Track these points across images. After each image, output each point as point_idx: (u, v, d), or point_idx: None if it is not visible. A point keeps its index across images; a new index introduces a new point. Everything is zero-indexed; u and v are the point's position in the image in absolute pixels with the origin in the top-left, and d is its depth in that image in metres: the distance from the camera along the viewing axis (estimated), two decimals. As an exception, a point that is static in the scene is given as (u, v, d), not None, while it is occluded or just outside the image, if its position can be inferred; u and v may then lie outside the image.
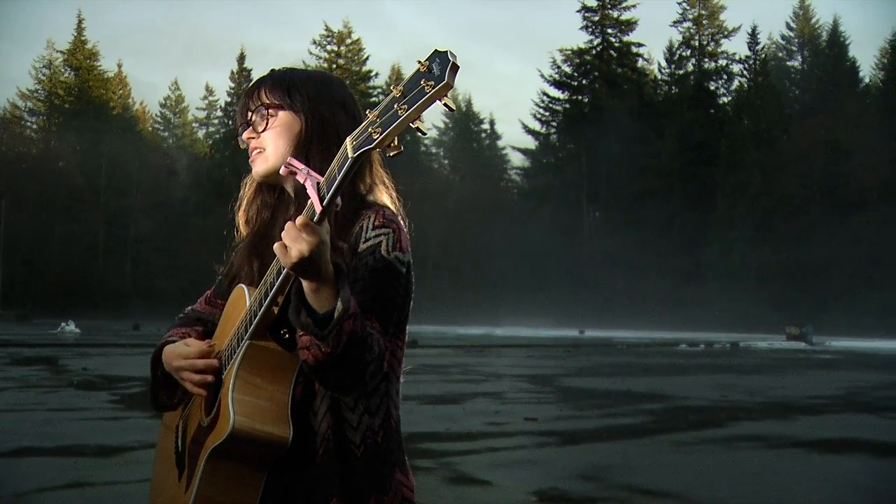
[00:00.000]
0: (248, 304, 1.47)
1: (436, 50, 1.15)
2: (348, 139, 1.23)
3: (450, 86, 1.12)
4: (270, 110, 1.58)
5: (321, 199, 1.25)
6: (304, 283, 1.31)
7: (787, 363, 23.07)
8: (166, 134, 78.75)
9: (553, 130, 73.95)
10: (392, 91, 1.17)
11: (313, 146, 1.55)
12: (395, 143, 1.19)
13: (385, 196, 1.61)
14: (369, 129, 1.19)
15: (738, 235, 59.06)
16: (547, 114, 73.20)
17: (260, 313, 1.41)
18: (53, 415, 9.50)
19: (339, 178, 1.23)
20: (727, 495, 6.03)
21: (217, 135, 74.65)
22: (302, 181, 1.29)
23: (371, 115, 1.20)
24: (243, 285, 1.55)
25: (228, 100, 72.14)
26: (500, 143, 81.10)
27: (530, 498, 5.87)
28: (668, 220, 64.31)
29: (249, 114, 1.61)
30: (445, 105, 1.15)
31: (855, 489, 6.35)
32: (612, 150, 65.90)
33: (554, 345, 32.46)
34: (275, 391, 1.43)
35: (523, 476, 6.63)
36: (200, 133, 78.46)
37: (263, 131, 1.59)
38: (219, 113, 75.16)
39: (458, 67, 1.13)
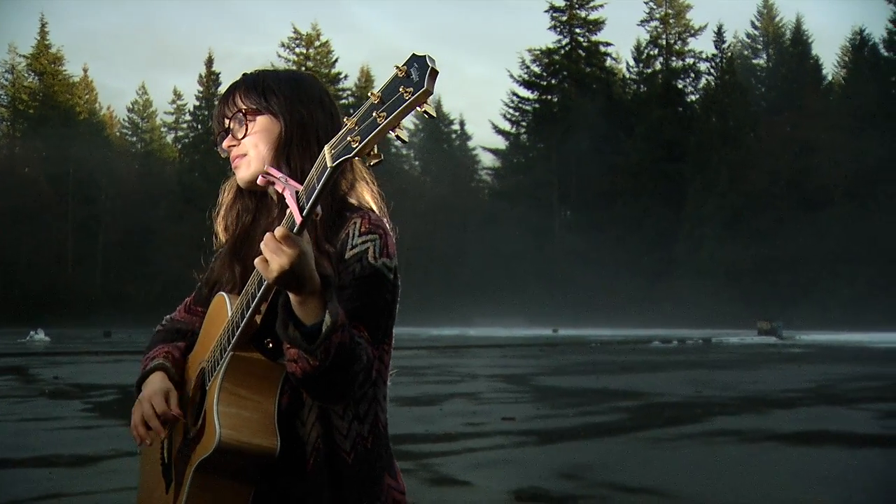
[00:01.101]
0: (229, 313, 1.45)
1: (413, 54, 1.13)
2: (326, 147, 1.21)
3: (429, 92, 1.10)
4: (248, 115, 1.55)
5: (300, 209, 1.23)
6: (291, 295, 1.29)
7: (759, 357, 23.31)
8: (134, 139, 77.90)
9: (523, 130, 74.21)
10: (370, 97, 1.15)
11: (293, 148, 1.53)
12: (375, 151, 1.17)
13: (367, 194, 1.60)
14: (348, 138, 1.16)
15: (707, 232, 59.61)
16: (517, 114, 73.44)
17: (242, 324, 1.38)
18: (25, 425, 9.37)
19: (318, 188, 1.21)
20: (707, 490, 6.08)
21: (186, 139, 74.01)
22: (280, 190, 1.27)
23: (349, 123, 1.17)
24: (224, 293, 1.53)
25: (197, 104, 71.54)
26: (471, 144, 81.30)
27: (511, 498, 5.88)
28: (638, 218, 64.73)
29: (227, 121, 1.58)
30: (425, 113, 1.12)
31: (831, 481, 6.42)
32: (581, 150, 66.22)
33: (528, 344, 32.54)
34: (260, 402, 1.42)
35: (503, 476, 6.64)
36: (169, 137, 77.75)
37: (244, 137, 1.55)
38: (187, 117, 74.49)
39: (438, 73, 1.11)
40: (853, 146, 53.52)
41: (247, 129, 1.55)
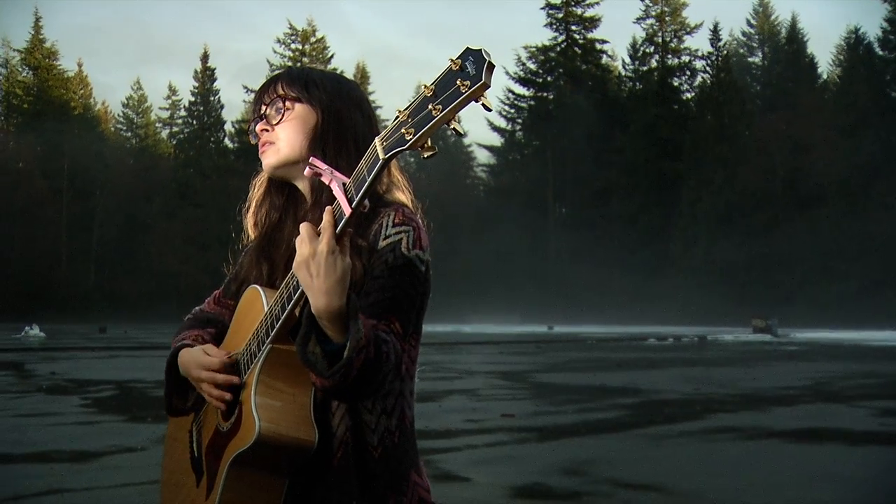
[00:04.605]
0: (265, 306, 1.44)
1: (468, 48, 1.13)
2: (377, 139, 1.21)
3: (487, 85, 1.11)
4: (287, 102, 1.54)
5: (349, 201, 1.23)
6: (313, 307, 1.28)
7: (754, 355, 23.37)
8: (129, 134, 77.65)
9: (518, 127, 74.34)
10: (423, 90, 1.16)
11: (329, 141, 1.52)
12: (429, 143, 1.17)
13: (401, 193, 1.59)
14: (402, 130, 1.17)
15: (702, 230, 59.77)
16: (512, 111, 73.58)
17: (283, 316, 1.37)
18: (24, 420, 9.32)
19: (369, 180, 1.21)
20: (708, 486, 6.09)
21: (181, 135, 73.81)
22: (328, 182, 1.27)
23: (401, 115, 1.17)
24: (257, 286, 1.52)
25: (192, 99, 71.32)
26: (466, 141, 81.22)
27: (512, 493, 5.88)
28: (633, 216, 64.91)
29: (263, 107, 1.57)
30: (483, 105, 1.13)
31: (830, 477, 6.43)
32: (577, 147, 66.29)
33: (524, 341, 32.57)
34: (297, 394, 1.41)
35: (505, 472, 6.64)
36: (164, 133, 77.53)
37: (277, 124, 1.55)
38: (182, 113, 74.28)
39: (494, 66, 1.11)
40: (847, 145, 53.69)
41: (282, 117, 1.55)
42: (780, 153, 57.38)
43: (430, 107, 1.14)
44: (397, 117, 1.18)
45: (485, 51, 1.11)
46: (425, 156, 1.18)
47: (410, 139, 1.16)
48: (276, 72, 1.64)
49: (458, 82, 1.11)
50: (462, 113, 1.17)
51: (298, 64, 67.27)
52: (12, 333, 33.81)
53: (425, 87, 1.15)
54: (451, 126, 1.15)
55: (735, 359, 21.61)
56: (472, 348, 27.86)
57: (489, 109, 1.15)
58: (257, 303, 1.48)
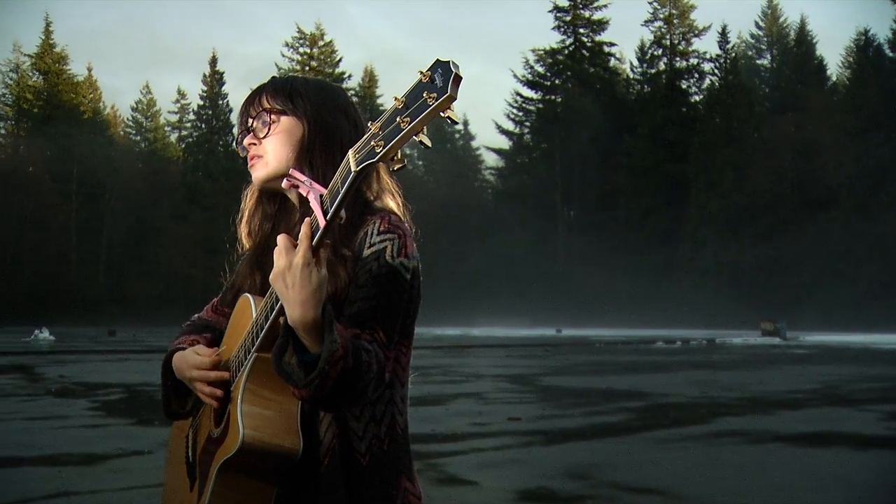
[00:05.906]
0: (254, 314, 1.45)
1: (437, 60, 1.13)
2: (350, 152, 1.22)
3: (453, 98, 1.11)
4: (272, 115, 1.55)
5: (325, 213, 1.24)
6: (289, 318, 1.29)
7: (763, 358, 23.30)
8: (138, 138, 77.92)
9: (526, 130, 74.34)
10: (394, 102, 1.16)
11: (316, 152, 1.53)
12: (399, 156, 1.18)
13: (391, 201, 1.59)
14: (372, 143, 1.17)
15: (710, 232, 59.60)
16: (520, 114, 73.59)
17: (266, 325, 1.38)
18: (32, 423, 9.37)
19: (342, 192, 1.22)
20: (713, 490, 6.08)
21: (190, 138, 74.02)
22: (305, 194, 1.28)
23: (373, 128, 1.18)
24: (248, 294, 1.53)
25: (201, 103, 71.54)
26: (474, 144, 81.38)
27: (518, 497, 5.88)
28: (641, 219, 64.78)
29: (250, 120, 1.58)
30: (448, 118, 1.13)
31: (837, 482, 6.42)
32: (585, 149, 66.24)
33: (532, 344, 32.54)
34: (283, 402, 1.41)
35: (510, 476, 6.64)
36: (173, 137, 77.78)
37: (265, 137, 1.55)
38: (191, 116, 74.50)
39: (462, 78, 1.12)
40: (857, 147, 53.50)
41: (269, 130, 1.55)
42: (788, 156, 57.21)
43: (398, 119, 1.14)
44: (370, 129, 1.19)
45: (453, 62, 1.12)
46: (395, 168, 1.19)
47: (380, 152, 1.16)
48: (261, 83, 1.65)
49: (425, 94, 1.12)
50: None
51: (307, 68, 67.47)
52: (22, 336, 33.97)
53: (396, 98, 1.16)
54: (419, 138, 1.15)
55: (743, 362, 21.56)
56: (480, 351, 27.85)
57: (455, 122, 1.14)
58: (247, 311, 1.50)
